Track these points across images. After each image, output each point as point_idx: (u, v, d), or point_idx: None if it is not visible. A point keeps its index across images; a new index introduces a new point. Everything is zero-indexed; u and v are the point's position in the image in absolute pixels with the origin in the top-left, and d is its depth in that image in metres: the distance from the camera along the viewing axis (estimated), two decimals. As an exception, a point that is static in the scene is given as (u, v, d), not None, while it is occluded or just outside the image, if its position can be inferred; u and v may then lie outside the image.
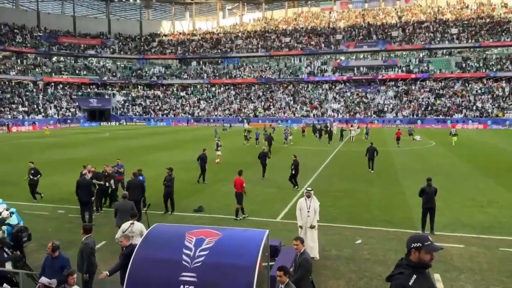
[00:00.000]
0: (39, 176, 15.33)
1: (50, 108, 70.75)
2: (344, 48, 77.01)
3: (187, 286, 5.70)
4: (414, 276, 3.29)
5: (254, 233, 6.98)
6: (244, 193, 12.86)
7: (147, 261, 6.06)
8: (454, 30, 72.93)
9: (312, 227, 9.54)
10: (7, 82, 71.46)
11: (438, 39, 73.02)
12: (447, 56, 74.49)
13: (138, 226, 8.53)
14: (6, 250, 7.38)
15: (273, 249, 8.65)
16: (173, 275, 5.79)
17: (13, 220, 9.01)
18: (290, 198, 15.43)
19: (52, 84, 76.93)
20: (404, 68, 72.32)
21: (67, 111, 72.82)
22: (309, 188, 10.02)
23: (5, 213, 9.12)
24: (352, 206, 14.36)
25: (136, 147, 33.23)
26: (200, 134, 47.51)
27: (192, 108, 76.82)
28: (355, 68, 74.95)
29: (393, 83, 72.55)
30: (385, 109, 67.01)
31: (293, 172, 16.98)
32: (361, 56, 79.54)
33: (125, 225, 8.49)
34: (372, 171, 21.14)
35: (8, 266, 7.49)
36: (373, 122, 63.13)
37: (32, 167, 15.47)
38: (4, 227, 8.70)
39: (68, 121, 69.31)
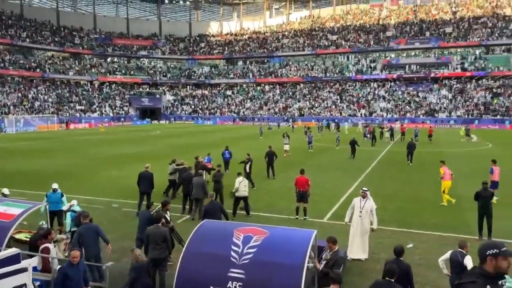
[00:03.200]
0: None
1: (105, 107, 74.30)
2: (395, 46, 74.59)
3: (235, 283, 5.79)
4: (488, 286, 3.08)
5: (301, 232, 6.97)
6: (308, 194, 12.61)
7: (197, 255, 6.22)
8: (514, 25, 68.46)
9: (372, 230, 9.50)
10: (66, 82, 75.88)
11: (496, 35, 68.82)
12: (505, 53, 70.05)
13: (246, 181, 13.28)
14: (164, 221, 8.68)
15: (320, 250, 8.57)
16: (221, 270, 5.90)
17: (77, 208, 10.00)
18: (337, 198, 15.21)
19: (107, 83, 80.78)
20: (458, 66, 68.88)
21: (121, 109, 76.16)
22: (365, 188, 9.84)
23: (73, 201, 10.29)
24: (402, 209, 13.91)
25: (185, 145, 34.11)
26: (246, 133, 47.97)
27: (238, 107, 77.68)
28: (406, 66, 72.42)
29: (446, 81, 69.34)
30: (438, 108, 64.21)
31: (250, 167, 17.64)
32: (412, 54, 76.70)
33: (240, 178, 12.93)
34: (410, 164, 23.12)
35: None
36: (425, 122, 60.71)
37: None
38: (69, 213, 9.73)
39: (122, 119, 72.48)
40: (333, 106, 70.77)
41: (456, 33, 72.11)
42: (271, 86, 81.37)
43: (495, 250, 3.13)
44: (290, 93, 78.11)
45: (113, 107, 75.54)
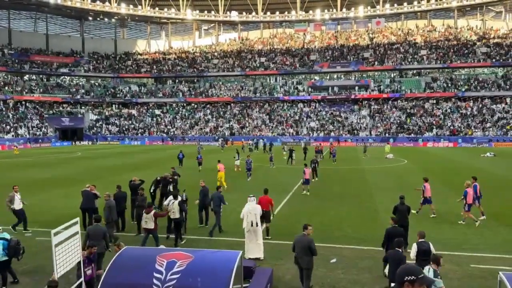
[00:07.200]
0: None
1: (20, 127, 68.79)
2: (318, 68, 78.54)
3: (158, 312, 5.54)
4: None
5: (227, 254, 6.89)
6: (272, 213, 12.69)
7: (116, 287, 5.86)
8: (423, 52, 75.64)
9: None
10: (-26, 101, 69.32)
11: (408, 60, 75.51)
12: (417, 77, 76.97)
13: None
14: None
15: (247, 270, 8.54)
16: (142, 300, 5.62)
17: (6, 235, 9.06)
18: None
19: (23, 102, 75.03)
20: (376, 88, 74.21)
21: (38, 130, 70.95)
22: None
23: None
24: (325, 224, 14.40)
25: (107, 167, 32.56)
26: (177, 153, 46.91)
27: (167, 126, 76.21)
28: (329, 88, 76.34)
29: (366, 102, 74.21)
30: (358, 127, 68.28)
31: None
32: (335, 76, 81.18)
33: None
34: (316, 179, 24.61)
35: None
36: (347, 140, 64.27)
37: None
38: (0, 241, 8.88)
39: (39, 140, 67.45)
40: (263, 126, 72.24)
41: (373, 58, 77.87)
42: (202, 106, 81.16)
43: (413, 276, 3.22)
44: (221, 113, 78.47)
45: (30, 127, 70.19)
